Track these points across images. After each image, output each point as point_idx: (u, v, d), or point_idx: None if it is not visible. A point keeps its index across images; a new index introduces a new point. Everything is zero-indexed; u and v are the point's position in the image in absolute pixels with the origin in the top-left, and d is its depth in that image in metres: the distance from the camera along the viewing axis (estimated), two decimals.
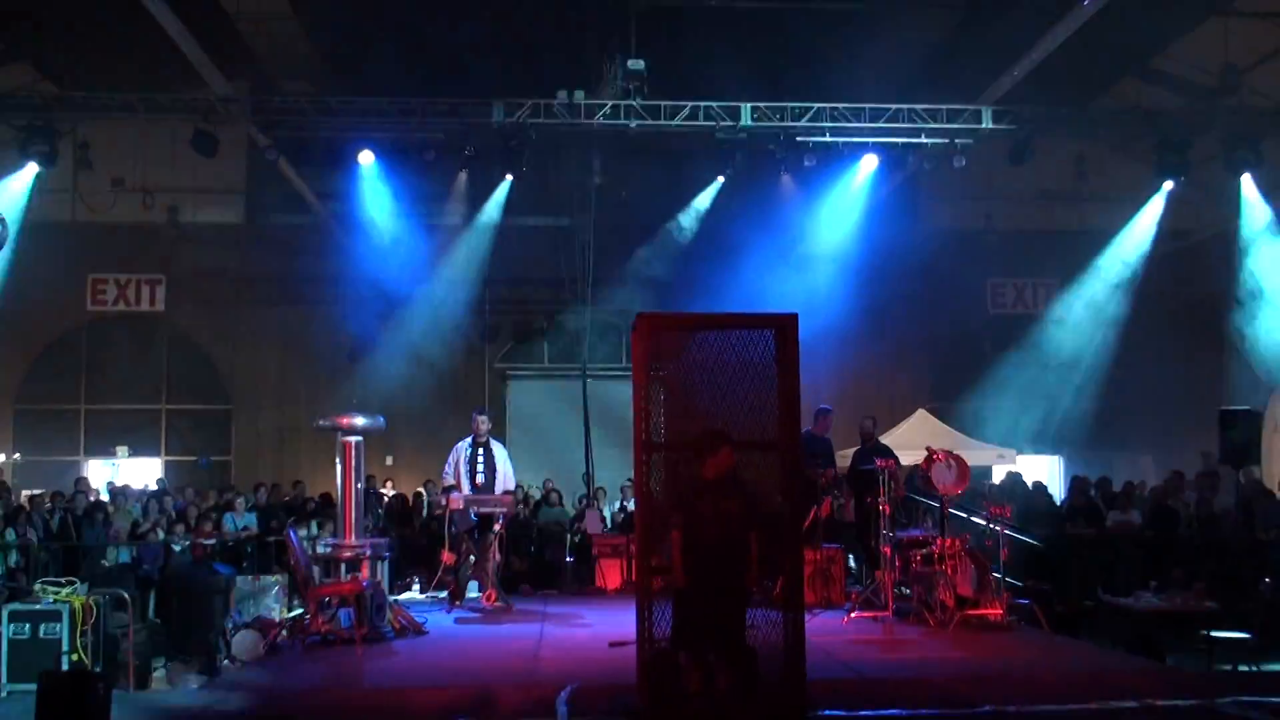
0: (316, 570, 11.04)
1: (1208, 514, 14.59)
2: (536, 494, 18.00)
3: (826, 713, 7.21)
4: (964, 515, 12.49)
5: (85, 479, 18.98)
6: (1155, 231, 20.55)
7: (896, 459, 12.55)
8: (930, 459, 11.64)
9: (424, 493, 17.71)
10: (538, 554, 15.73)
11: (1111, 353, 22.63)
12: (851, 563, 14.04)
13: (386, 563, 11.75)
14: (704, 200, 20.00)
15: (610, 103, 16.56)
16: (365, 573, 10.93)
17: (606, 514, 17.07)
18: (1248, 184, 18.40)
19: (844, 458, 14.27)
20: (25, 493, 17.99)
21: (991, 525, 11.32)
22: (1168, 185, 18.94)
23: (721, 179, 19.19)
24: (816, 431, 13.12)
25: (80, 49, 17.67)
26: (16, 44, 18.11)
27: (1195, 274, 21.59)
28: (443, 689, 8.17)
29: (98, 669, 7.16)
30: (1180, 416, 20.31)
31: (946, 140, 17.20)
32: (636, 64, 16.01)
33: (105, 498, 17.49)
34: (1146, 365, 21.81)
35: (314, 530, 14.97)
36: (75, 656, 8.19)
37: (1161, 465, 19.55)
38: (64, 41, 17.62)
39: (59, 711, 4.01)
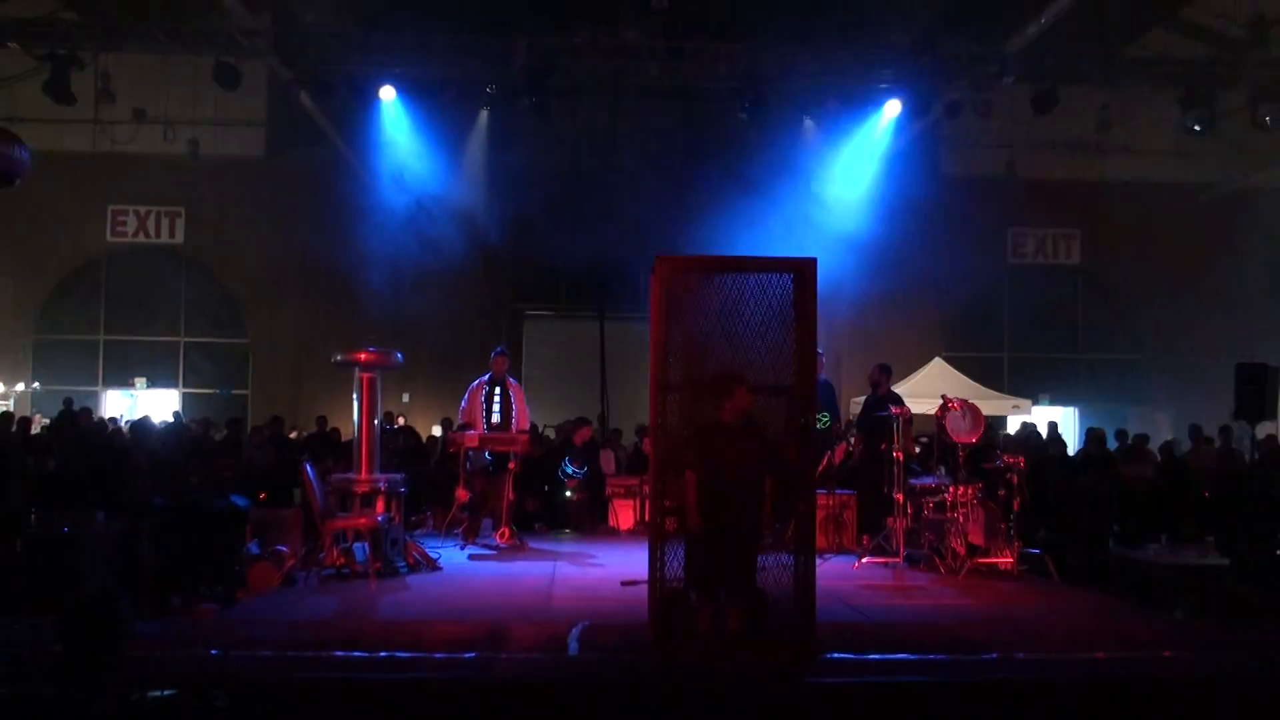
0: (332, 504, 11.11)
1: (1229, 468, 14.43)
2: (551, 434, 18.05)
3: (835, 655, 7.26)
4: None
5: (88, 409, 19.05)
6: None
7: (906, 408, 12.47)
8: (945, 407, 11.64)
9: (440, 429, 17.79)
10: (551, 493, 15.78)
11: (1129, 307, 22.53)
12: None
13: (401, 498, 11.82)
14: (724, 142, 19.82)
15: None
16: (380, 507, 11.01)
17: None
18: None
19: (856, 405, 14.24)
20: (40, 418, 18.12)
21: (1004, 474, 11.31)
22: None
23: (744, 116, 18.96)
24: None
25: None
26: None
27: (1219, 228, 21.42)
28: (456, 623, 8.24)
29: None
30: (1198, 372, 20.23)
31: (971, 87, 17.05)
32: (661, 2, 15.88)
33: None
34: (1165, 320, 21.71)
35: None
36: (94, 583, 8.26)
37: (1179, 420, 19.50)
38: None
39: (85, 632, 4.06)
